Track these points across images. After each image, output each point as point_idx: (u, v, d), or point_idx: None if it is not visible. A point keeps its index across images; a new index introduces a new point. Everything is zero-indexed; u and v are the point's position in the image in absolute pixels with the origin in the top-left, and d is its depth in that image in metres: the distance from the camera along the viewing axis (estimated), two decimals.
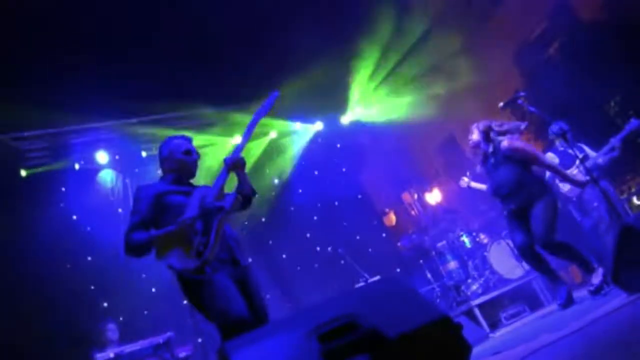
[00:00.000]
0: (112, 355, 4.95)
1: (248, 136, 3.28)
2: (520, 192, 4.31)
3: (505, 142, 4.35)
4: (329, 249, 7.06)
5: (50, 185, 6.88)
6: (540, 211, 4.22)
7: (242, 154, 3.28)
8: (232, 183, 3.27)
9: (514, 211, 4.40)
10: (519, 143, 4.36)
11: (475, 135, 4.53)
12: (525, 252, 4.42)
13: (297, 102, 7.99)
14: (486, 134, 4.48)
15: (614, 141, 5.61)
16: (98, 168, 7.30)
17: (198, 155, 3.38)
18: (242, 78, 6.97)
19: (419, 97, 8.85)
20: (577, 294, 4.59)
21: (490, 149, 4.45)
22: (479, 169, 4.60)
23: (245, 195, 3.28)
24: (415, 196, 9.22)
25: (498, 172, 4.39)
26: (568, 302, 4.26)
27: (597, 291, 4.14)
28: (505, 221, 4.57)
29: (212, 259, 2.88)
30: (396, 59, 8.31)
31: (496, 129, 4.45)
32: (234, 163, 3.23)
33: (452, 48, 8.49)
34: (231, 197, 3.12)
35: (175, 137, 3.44)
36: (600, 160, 5.56)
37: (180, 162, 3.32)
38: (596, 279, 4.16)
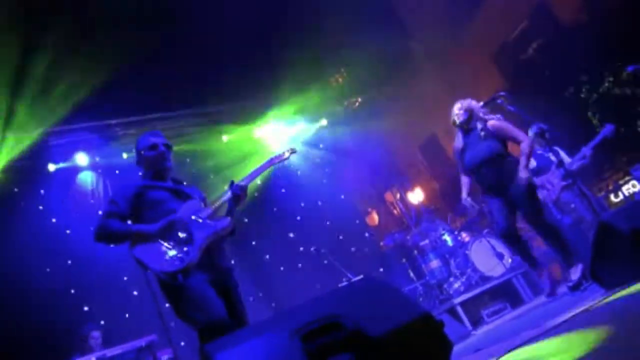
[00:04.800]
0: (93, 359, 4.87)
1: (257, 175, 3.33)
2: (500, 165, 4.37)
3: (493, 121, 4.48)
4: (312, 248, 7.05)
5: (30, 187, 6.78)
6: (523, 187, 4.28)
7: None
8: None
9: (493, 189, 4.41)
10: (505, 123, 4.50)
11: (461, 112, 4.60)
12: (509, 235, 4.43)
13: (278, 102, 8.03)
14: (470, 112, 4.57)
15: (585, 150, 5.71)
16: (78, 170, 7.21)
17: (166, 147, 3.29)
18: (226, 80, 6.96)
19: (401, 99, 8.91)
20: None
21: (479, 125, 4.51)
22: (462, 143, 4.59)
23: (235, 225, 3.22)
24: (398, 195, 9.28)
25: (481, 145, 4.45)
26: (553, 291, 4.34)
27: (576, 287, 4.20)
28: (488, 203, 4.56)
29: (189, 269, 2.87)
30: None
31: (476, 108, 4.58)
32: (242, 194, 3.22)
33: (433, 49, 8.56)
34: (225, 221, 3.11)
35: (142, 135, 3.39)
36: (573, 167, 5.65)
37: (149, 159, 3.27)
38: (575, 274, 4.23)
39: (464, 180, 4.74)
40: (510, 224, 4.39)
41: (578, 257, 4.40)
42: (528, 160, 4.34)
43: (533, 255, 4.53)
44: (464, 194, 4.71)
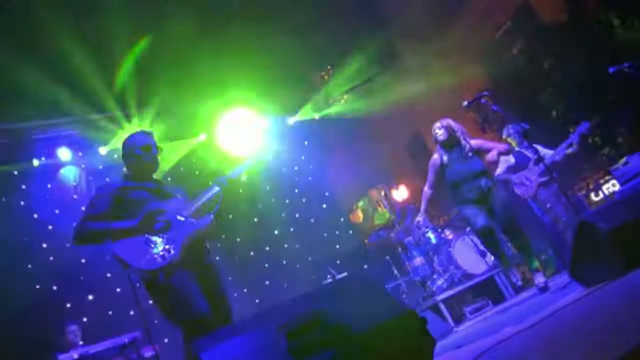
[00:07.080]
0: (76, 356, 4.84)
1: (243, 170, 3.35)
2: (483, 180, 4.64)
3: (475, 141, 4.76)
4: (297, 246, 7.07)
5: (11, 182, 6.69)
6: (503, 195, 4.65)
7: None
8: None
9: (472, 201, 4.62)
10: (481, 139, 4.88)
11: (441, 131, 4.76)
12: (489, 232, 4.60)
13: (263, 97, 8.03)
14: (450, 131, 4.75)
15: (573, 137, 5.78)
16: (60, 165, 7.13)
17: (157, 151, 3.28)
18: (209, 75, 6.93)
19: (387, 97, 8.94)
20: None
21: (463, 144, 4.71)
22: (445, 159, 4.75)
23: (220, 222, 3.20)
24: (383, 193, 9.30)
25: (469, 162, 4.68)
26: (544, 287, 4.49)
27: (545, 289, 4.43)
28: (463, 211, 4.71)
29: (171, 268, 2.86)
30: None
31: (457, 128, 4.77)
32: (232, 186, 3.22)
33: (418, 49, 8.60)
34: (207, 219, 3.10)
35: (134, 134, 3.36)
36: (557, 158, 5.71)
37: (139, 161, 3.24)
38: (541, 278, 4.49)
39: (427, 194, 4.99)
40: (490, 222, 4.59)
41: (558, 254, 4.52)
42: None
43: (507, 255, 4.79)
44: (423, 210, 5.09)
